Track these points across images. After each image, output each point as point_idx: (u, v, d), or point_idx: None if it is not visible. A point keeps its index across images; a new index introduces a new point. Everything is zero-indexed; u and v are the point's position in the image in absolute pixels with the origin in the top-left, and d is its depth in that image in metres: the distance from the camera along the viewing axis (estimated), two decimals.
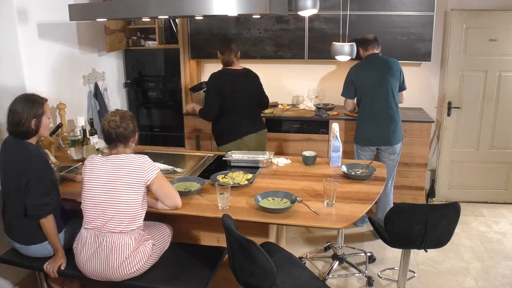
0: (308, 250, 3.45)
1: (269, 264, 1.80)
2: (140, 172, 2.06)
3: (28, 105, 2.23)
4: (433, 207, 2.25)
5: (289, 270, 2.10)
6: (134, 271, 2.09)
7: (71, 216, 2.41)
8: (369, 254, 3.26)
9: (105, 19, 2.85)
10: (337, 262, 3.14)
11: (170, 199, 2.18)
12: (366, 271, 3.08)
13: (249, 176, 2.62)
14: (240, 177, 2.59)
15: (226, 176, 2.61)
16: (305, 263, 3.20)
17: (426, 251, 2.41)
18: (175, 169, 2.77)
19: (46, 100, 2.36)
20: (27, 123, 2.20)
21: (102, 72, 4.03)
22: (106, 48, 3.97)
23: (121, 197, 2.04)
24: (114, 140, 2.11)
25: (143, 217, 2.13)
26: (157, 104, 4.47)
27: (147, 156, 2.13)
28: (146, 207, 2.14)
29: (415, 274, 3.07)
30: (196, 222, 2.44)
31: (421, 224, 2.24)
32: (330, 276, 3.04)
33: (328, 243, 3.43)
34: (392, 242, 2.38)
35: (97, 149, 3.02)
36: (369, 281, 2.96)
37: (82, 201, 2.12)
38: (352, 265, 3.13)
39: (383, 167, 2.76)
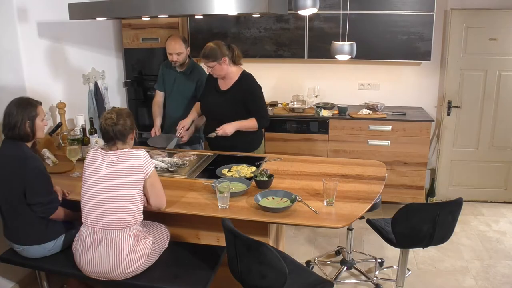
0: (307, 249, 3.46)
1: (281, 263, 1.80)
2: (139, 166, 2.07)
3: (21, 108, 2.25)
4: (441, 205, 2.26)
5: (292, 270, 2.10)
6: (135, 269, 2.09)
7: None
8: (379, 260, 3.21)
9: (105, 18, 2.85)
10: (345, 268, 3.10)
11: (159, 198, 2.19)
12: (375, 278, 3.00)
13: (253, 168, 2.64)
14: (245, 170, 2.62)
15: (231, 170, 2.63)
16: (313, 267, 3.18)
17: (423, 248, 2.42)
18: (177, 161, 2.79)
19: (40, 103, 2.38)
20: (22, 125, 2.23)
21: (102, 71, 4.03)
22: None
23: (121, 192, 2.05)
24: (112, 137, 2.11)
25: (142, 213, 2.13)
26: None
27: (144, 151, 2.14)
28: (144, 203, 2.15)
29: (409, 272, 3.07)
30: (196, 221, 2.44)
31: (429, 223, 2.26)
32: (337, 281, 3.01)
33: (339, 248, 3.38)
34: (400, 243, 2.39)
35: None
36: None
37: (81, 197, 2.12)
38: (360, 272, 3.09)
39: (382, 166, 2.76)
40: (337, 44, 2.87)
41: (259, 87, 3.00)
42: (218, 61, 2.85)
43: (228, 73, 2.95)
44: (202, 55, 2.87)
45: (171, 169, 2.69)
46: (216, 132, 2.89)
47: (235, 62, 2.96)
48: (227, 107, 2.97)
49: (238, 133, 2.94)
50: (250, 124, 2.97)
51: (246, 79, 2.99)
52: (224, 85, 3.02)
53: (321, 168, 2.76)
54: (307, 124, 3.99)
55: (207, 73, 3.13)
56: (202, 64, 3.14)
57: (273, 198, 2.28)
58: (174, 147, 3.12)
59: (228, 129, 2.89)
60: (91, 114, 3.73)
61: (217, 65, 2.87)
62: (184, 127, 3.10)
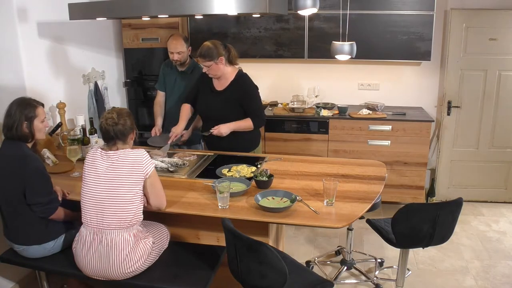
0: (307, 249, 3.46)
1: (281, 263, 1.80)
2: (139, 166, 2.07)
3: (20, 108, 2.25)
4: (441, 205, 2.27)
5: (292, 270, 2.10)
6: (135, 269, 2.09)
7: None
8: (379, 260, 3.21)
9: (105, 18, 2.85)
10: (345, 268, 3.10)
11: (159, 198, 2.18)
12: (375, 278, 3.00)
13: (253, 168, 2.64)
14: (245, 170, 2.62)
15: (231, 170, 2.63)
16: (313, 267, 3.18)
17: (423, 248, 2.43)
18: (177, 162, 2.78)
19: (42, 104, 2.37)
20: (19, 126, 2.22)
21: (102, 71, 4.03)
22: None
23: (121, 192, 2.05)
24: (113, 137, 2.11)
25: (142, 213, 2.13)
26: None
27: (144, 151, 2.14)
28: (144, 203, 2.15)
29: (409, 272, 3.07)
30: (196, 221, 2.44)
31: (429, 223, 2.26)
32: (337, 281, 3.01)
33: (339, 248, 3.37)
34: (400, 243, 2.39)
35: None
36: None
37: (81, 197, 2.12)
38: (360, 272, 3.08)
39: (382, 166, 2.76)
40: (337, 44, 2.87)
41: (255, 87, 3.00)
42: (214, 60, 2.84)
43: (224, 73, 2.94)
44: (198, 54, 2.86)
45: (171, 169, 2.69)
46: (211, 131, 2.89)
47: (231, 62, 2.96)
48: (223, 107, 2.97)
49: (235, 133, 2.94)
50: (245, 124, 2.96)
51: (242, 79, 2.98)
52: (219, 85, 3.01)
53: (321, 168, 2.76)
54: (307, 124, 3.99)
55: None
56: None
57: (273, 198, 2.28)
58: (171, 147, 3.12)
59: (223, 129, 2.88)
60: (91, 114, 3.74)
61: (214, 65, 2.86)
62: (177, 135, 3.07)
